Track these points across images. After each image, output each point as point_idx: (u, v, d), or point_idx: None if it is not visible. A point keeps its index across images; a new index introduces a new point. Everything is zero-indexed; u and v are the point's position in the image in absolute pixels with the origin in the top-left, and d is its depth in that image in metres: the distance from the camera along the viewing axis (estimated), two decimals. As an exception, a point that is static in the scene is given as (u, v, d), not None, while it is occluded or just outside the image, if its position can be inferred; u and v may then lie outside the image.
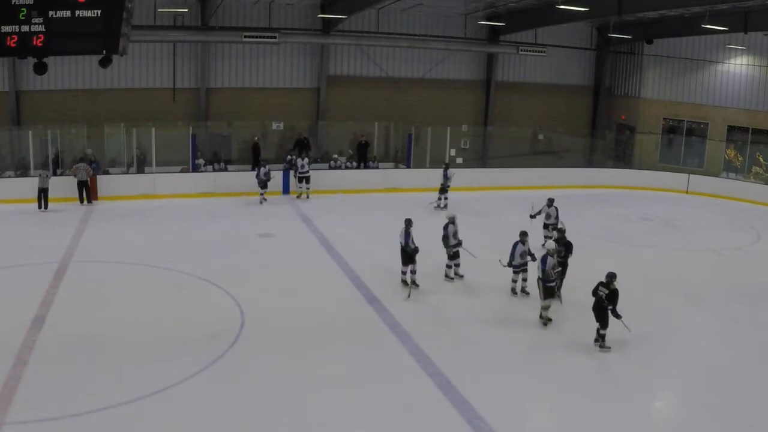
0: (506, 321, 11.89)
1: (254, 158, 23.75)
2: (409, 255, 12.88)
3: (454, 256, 13.57)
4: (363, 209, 20.24)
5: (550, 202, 16.14)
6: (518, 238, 12.68)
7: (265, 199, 20.31)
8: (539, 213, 16.09)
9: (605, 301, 10.38)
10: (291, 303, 12.30)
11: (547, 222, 15.95)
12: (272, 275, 13.97)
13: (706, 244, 17.44)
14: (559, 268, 11.53)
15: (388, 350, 10.49)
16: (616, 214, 20.90)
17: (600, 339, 10.54)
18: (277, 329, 11.13)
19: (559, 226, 13.01)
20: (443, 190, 20.27)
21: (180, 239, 16.29)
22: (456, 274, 13.70)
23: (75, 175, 19.35)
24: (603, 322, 10.44)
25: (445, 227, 13.48)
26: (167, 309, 11.79)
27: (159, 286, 13.04)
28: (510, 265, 12.70)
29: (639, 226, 19.61)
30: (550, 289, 11.41)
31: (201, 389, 9.03)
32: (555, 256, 11.57)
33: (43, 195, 18.52)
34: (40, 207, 18.52)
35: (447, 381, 9.42)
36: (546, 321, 11.53)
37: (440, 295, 12.91)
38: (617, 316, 10.40)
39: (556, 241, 12.62)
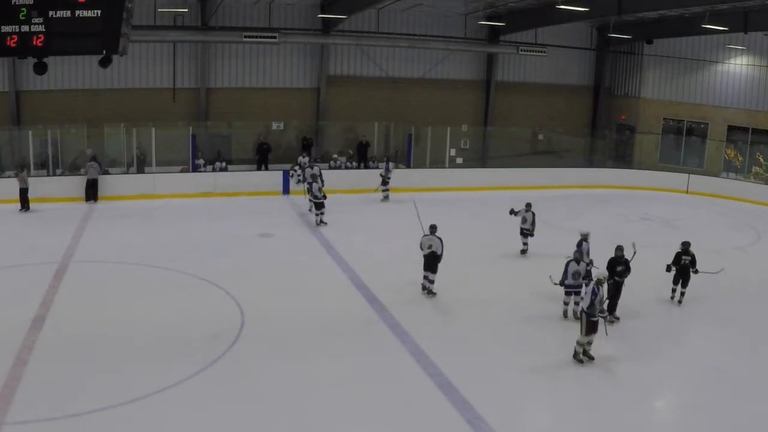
0: (507, 320, 11.88)
1: (260, 160, 23.73)
2: (438, 262, 12.66)
3: (586, 275, 12.17)
4: (363, 209, 20.23)
5: (528, 206, 15.63)
6: (570, 257, 11.98)
7: (324, 223, 17.83)
8: (517, 213, 15.72)
9: (690, 265, 12.56)
10: (291, 303, 12.30)
11: (523, 227, 15.66)
12: (272, 275, 13.97)
13: (706, 244, 17.39)
14: (607, 301, 10.41)
15: (388, 350, 10.49)
16: (616, 214, 20.90)
17: (681, 297, 12.79)
18: (277, 329, 11.13)
19: (624, 244, 12.18)
20: (384, 182, 21.20)
21: (180, 239, 16.30)
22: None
23: (86, 174, 19.48)
24: (685, 282, 12.72)
25: (579, 244, 12.75)
26: (167, 309, 11.79)
27: (159, 286, 13.04)
28: (562, 284, 11.87)
29: (639, 226, 19.61)
30: (594, 324, 10.08)
31: (201, 389, 9.03)
32: (604, 285, 10.38)
33: (23, 195, 18.24)
34: (22, 208, 18.23)
35: (447, 381, 9.42)
36: (582, 358, 10.19)
37: (440, 296, 12.89)
38: (696, 272, 12.60)
39: (615, 260, 11.88)
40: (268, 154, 23.80)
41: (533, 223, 15.56)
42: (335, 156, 24.75)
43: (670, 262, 12.73)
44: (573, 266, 11.76)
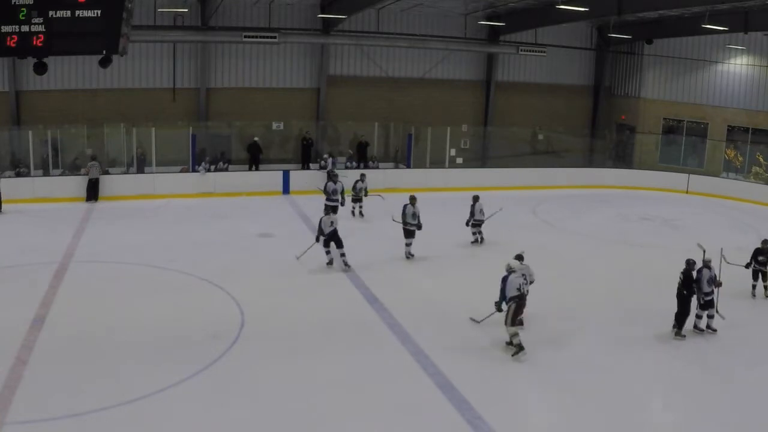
0: (506, 321, 11.88)
1: (252, 160, 23.69)
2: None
3: (706, 305, 11.25)
4: (363, 209, 20.22)
5: (475, 199, 16.11)
6: (700, 264, 11.16)
7: (412, 255, 15.00)
8: (472, 215, 16.14)
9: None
10: (291, 303, 12.30)
11: (474, 219, 16.14)
12: (272, 275, 13.97)
13: (706, 244, 17.42)
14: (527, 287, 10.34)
15: (388, 350, 10.49)
16: (616, 214, 20.90)
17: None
18: (277, 329, 11.13)
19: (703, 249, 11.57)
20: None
21: (180, 239, 16.30)
22: (708, 327, 11.42)
23: (88, 173, 19.55)
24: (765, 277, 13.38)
25: (700, 270, 11.25)
26: (167, 309, 11.79)
27: (159, 286, 13.04)
28: (702, 299, 11.14)
29: (639, 226, 19.62)
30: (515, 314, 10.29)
31: (201, 389, 9.03)
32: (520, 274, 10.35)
33: None
34: None
35: (447, 381, 9.41)
36: (516, 349, 10.19)
37: (441, 295, 12.90)
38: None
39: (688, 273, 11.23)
40: (258, 154, 23.69)
41: (481, 213, 16.02)
42: (325, 156, 24.14)
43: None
44: (706, 273, 11.08)
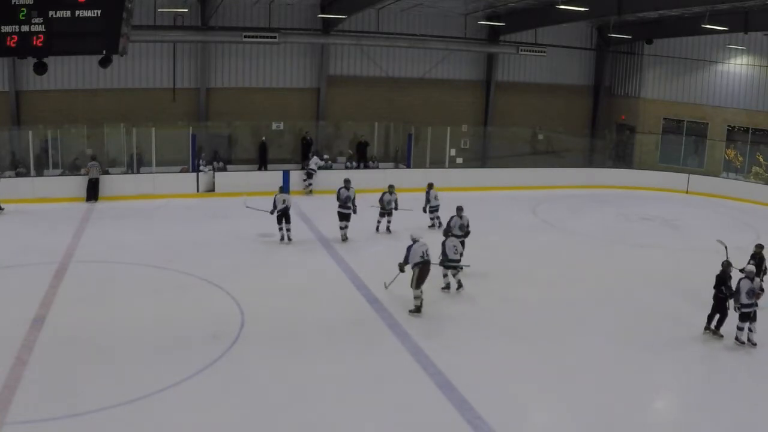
0: (508, 320, 11.88)
1: (260, 159, 23.71)
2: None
3: (743, 317, 10.80)
4: (363, 209, 20.20)
5: (429, 186, 17.38)
6: (742, 275, 10.89)
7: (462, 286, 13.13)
8: (428, 202, 17.50)
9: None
10: (291, 303, 12.30)
11: (429, 206, 17.41)
12: (272, 275, 13.97)
13: (706, 244, 17.42)
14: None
15: (388, 350, 10.48)
16: (616, 214, 20.90)
17: None
18: (277, 329, 11.13)
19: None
20: (309, 175, 22.24)
21: (180, 239, 16.29)
22: (749, 340, 10.92)
23: (88, 173, 19.59)
24: None
25: (740, 281, 10.88)
26: (167, 309, 11.79)
27: (159, 286, 13.03)
28: (737, 309, 10.81)
29: (639, 226, 19.62)
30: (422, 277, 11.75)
31: (201, 389, 9.02)
32: (420, 240, 11.87)
33: None
34: None
35: (447, 381, 9.41)
36: (414, 309, 11.75)
37: (440, 296, 12.89)
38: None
39: (724, 276, 11.07)
40: (265, 154, 23.69)
41: (432, 199, 17.35)
42: (310, 154, 23.88)
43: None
44: (746, 284, 10.71)
